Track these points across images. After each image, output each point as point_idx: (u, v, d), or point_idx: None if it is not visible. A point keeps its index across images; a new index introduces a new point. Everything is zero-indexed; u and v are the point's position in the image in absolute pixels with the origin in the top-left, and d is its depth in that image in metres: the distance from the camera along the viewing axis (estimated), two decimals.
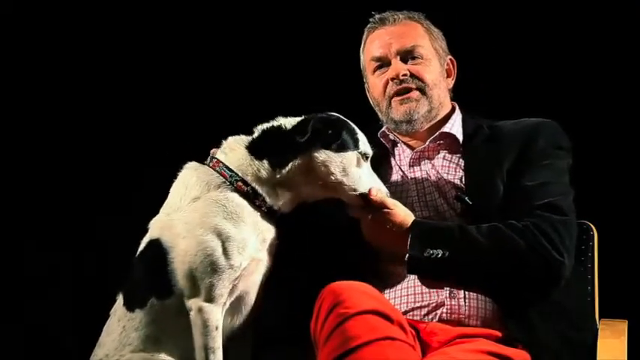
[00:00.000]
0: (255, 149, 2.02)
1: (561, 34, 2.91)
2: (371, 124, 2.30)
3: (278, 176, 2.00)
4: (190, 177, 2.03)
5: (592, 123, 2.84)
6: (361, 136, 2.07)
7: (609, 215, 2.60)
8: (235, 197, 1.98)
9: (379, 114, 2.30)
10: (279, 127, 2.04)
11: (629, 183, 2.85)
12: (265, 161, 2.00)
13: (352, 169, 2.02)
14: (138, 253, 2.04)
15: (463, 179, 2.12)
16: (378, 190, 2.02)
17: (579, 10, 2.88)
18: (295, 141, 1.98)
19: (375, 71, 2.27)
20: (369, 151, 2.07)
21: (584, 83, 2.88)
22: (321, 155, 1.99)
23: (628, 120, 2.87)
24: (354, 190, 2.01)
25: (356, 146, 2.04)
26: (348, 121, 2.07)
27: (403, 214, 2.02)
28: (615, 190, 2.84)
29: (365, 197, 2.01)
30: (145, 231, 2.05)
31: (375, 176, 2.07)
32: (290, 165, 1.99)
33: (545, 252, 1.93)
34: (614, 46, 2.87)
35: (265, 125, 2.06)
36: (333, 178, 2.00)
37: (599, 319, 2.18)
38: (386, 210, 2.01)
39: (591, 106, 2.88)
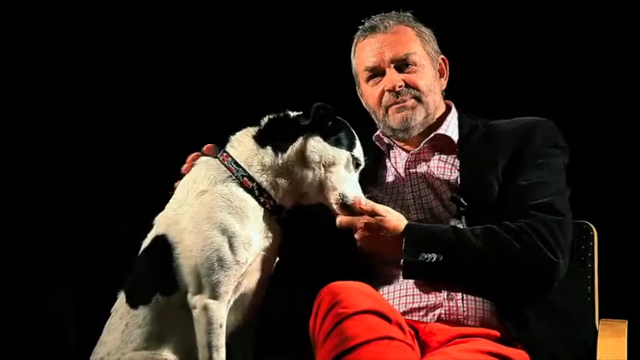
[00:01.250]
0: (261, 138, 2.04)
1: (560, 31, 2.91)
2: (367, 125, 2.30)
3: (280, 162, 2.01)
4: (200, 170, 2.04)
5: (592, 123, 2.84)
6: (358, 144, 2.08)
7: (609, 215, 2.60)
8: (240, 192, 1.99)
9: (375, 120, 2.29)
10: (286, 115, 2.06)
11: (629, 183, 2.85)
12: (269, 147, 2.02)
13: (340, 168, 2.02)
14: (143, 248, 2.04)
15: (459, 180, 2.12)
16: (367, 199, 2.02)
17: (575, 7, 2.87)
18: (297, 126, 2.00)
19: (368, 80, 2.25)
20: (362, 161, 2.07)
21: (586, 84, 2.88)
22: (317, 143, 2.01)
23: (628, 120, 2.87)
24: (336, 190, 2.01)
25: (350, 149, 2.04)
26: (350, 127, 2.08)
27: (395, 220, 2.01)
28: (615, 190, 2.84)
29: (348, 206, 2.01)
30: (150, 227, 2.05)
31: (359, 188, 2.06)
32: (290, 149, 2.01)
33: (539, 253, 1.93)
34: (615, 44, 2.87)
35: (272, 115, 2.08)
36: (321, 170, 2.00)
37: (599, 319, 2.18)
38: (378, 217, 2.00)
39: (592, 106, 2.88)
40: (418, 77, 2.20)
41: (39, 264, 3.12)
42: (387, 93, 2.20)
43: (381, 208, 2.02)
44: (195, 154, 2.11)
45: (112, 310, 2.04)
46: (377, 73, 2.23)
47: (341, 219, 2.03)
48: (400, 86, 2.18)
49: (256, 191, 2.00)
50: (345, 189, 2.02)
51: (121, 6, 3.15)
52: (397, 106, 2.19)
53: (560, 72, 2.90)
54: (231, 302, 1.97)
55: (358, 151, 2.07)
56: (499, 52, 2.92)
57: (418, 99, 2.19)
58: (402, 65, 2.20)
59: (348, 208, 2.01)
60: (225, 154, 2.05)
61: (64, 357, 3.06)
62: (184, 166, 2.11)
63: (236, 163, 2.02)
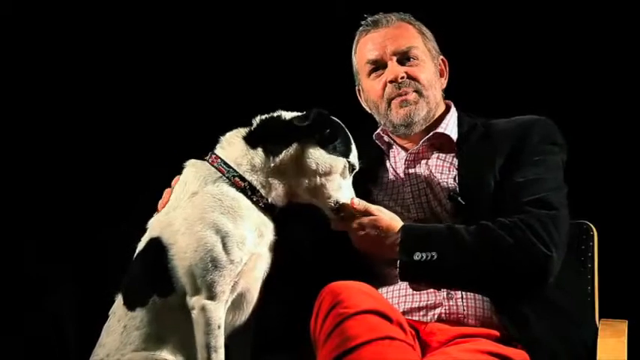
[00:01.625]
0: (251, 139, 2.03)
1: (560, 31, 2.91)
2: (365, 123, 2.30)
3: (272, 165, 2.00)
4: (189, 173, 2.05)
5: (593, 123, 2.84)
6: (354, 148, 2.08)
7: (609, 215, 2.60)
8: (231, 191, 1.98)
9: (376, 116, 2.30)
10: (278, 116, 2.05)
11: (629, 183, 2.85)
12: (260, 149, 2.01)
13: (336, 176, 2.03)
14: (137, 252, 2.04)
15: (457, 178, 2.13)
16: (360, 200, 2.03)
17: (574, 7, 2.87)
18: (292, 130, 1.99)
19: (370, 74, 2.26)
20: (357, 166, 2.08)
21: (586, 85, 2.88)
22: (315, 151, 2.00)
23: (628, 120, 2.87)
24: (332, 197, 2.02)
25: (346, 155, 2.04)
26: (347, 130, 2.08)
27: (388, 219, 2.02)
28: (615, 190, 2.84)
29: (340, 209, 2.02)
30: (144, 231, 2.05)
31: (353, 191, 2.07)
32: (283, 153, 2.00)
33: (532, 247, 1.92)
34: (615, 43, 2.87)
35: (264, 116, 2.07)
36: (317, 178, 2.01)
37: (599, 319, 2.17)
38: (371, 217, 2.01)
39: (592, 106, 2.88)
40: (419, 70, 2.22)
41: (39, 264, 3.12)
42: (389, 85, 2.21)
43: (374, 208, 2.03)
44: (177, 178, 2.09)
45: (109, 312, 2.04)
46: (379, 65, 2.24)
47: (336, 223, 2.05)
48: (402, 77, 2.19)
49: (248, 190, 2.00)
50: (340, 195, 2.03)
51: (120, 7, 3.15)
52: (400, 99, 2.20)
53: (561, 72, 2.90)
54: (229, 302, 1.97)
55: (354, 155, 2.07)
56: (498, 52, 2.92)
57: (419, 92, 2.20)
58: (403, 59, 2.22)
59: (342, 212, 2.03)
60: (214, 157, 2.04)
61: (64, 357, 3.06)
62: (165, 197, 2.09)
63: (226, 163, 2.02)
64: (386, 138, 2.31)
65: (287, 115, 2.05)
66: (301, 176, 2.01)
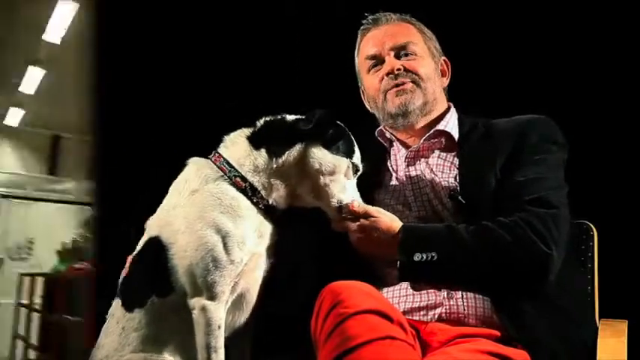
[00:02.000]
0: (255, 139, 2.04)
1: (560, 30, 2.91)
2: (366, 122, 2.31)
3: (274, 165, 2.00)
4: (190, 171, 2.04)
5: (593, 123, 2.83)
6: (357, 150, 2.08)
7: (609, 215, 2.60)
8: (232, 191, 1.98)
9: (376, 113, 2.31)
10: (283, 118, 2.06)
11: (629, 183, 2.85)
12: (263, 149, 2.01)
13: (340, 177, 2.03)
14: (136, 252, 2.03)
15: (457, 178, 2.13)
16: (360, 202, 2.03)
17: (574, 7, 2.87)
18: (295, 131, 1.99)
19: (369, 70, 2.28)
20: (360, 167, 2.08)
21: (586, 85, 2.88)
22: (318, 151, 2.00)
23: (628, 120, 2.87)
24: (335, 197, 2.01)
25: (350, 156, 2.05)
26: (350, 133, 2.08)
27: (389, 220, 2.02)
28: (615, 190, 2.84)
29: (344, 210, 2.02)
30: (142, 231, 2.04)
31: (357, 193, 2.07)
32: (286, 154, 2.00)
33: (532, 246, 1.92)
34: (616, 42, 2.87)
35: (269, 117, 2.08)
36: (321, 178, 2.01)
37: (599, 319, 2.17)
38: (371, 218, 2.01)
39: (592, 106, 2.88)
40: (418, 64, 2.23)
41: None
42: (385, 78, 2.22)
43: (373, 210, 2.03)
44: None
45: (107, 314, 2.03)
46: (377, 61, 2.25)
47: (337, 224, 2.05)
48: (399, 69, 2.21)
49: (249, 191, 1.99)
50: (344, 196, 2.03)
51: (121, 6, 3.15)
52: (396, 89, 2.21)
53: (561, 72, 2.90)
54: (229, 303, 1.97)
55: (357, 157, 2.07)
56: (498, 52, 2.92)
57: (416, 83, 2.22)
58: (400, 53, 2.24)
59: (344, 213, 2.02)
60: (217, 155, 2.04)
61: None
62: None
63: (228, 163, 2.01)
64: (387, 134, 2.31)
65: (291, 117, 2.06)
66: (304, 177, 2.01)
